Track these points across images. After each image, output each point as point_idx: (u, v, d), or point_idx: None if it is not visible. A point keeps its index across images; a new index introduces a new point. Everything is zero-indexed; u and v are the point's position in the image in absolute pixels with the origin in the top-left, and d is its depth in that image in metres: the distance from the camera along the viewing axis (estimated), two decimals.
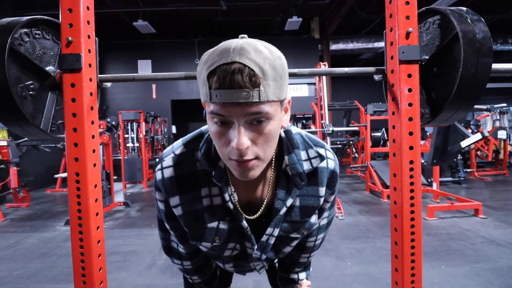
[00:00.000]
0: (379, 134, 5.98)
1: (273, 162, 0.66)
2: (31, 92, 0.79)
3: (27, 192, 4.78)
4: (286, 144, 0.66)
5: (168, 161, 0.67)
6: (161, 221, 0.77)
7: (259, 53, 0.49)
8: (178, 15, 7.75)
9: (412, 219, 0.83)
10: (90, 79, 0.81)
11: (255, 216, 0.68)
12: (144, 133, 6.47)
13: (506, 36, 8.82)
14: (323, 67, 4.18)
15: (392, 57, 0.83)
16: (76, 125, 0.78)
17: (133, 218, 3.90)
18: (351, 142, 7.61)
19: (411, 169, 0.82)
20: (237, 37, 0.54)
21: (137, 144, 6.58)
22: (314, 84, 7.46)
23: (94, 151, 0.82)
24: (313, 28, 9.03)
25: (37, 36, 0.82)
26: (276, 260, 1.00)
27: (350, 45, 9.08)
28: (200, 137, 0.68)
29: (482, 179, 5.93)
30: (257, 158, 0.54)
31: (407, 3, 0.79)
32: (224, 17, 7.67)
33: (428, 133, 6.31)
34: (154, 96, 9.08)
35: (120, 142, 6.40)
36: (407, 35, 0.79)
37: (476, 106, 4.86)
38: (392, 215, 0.87)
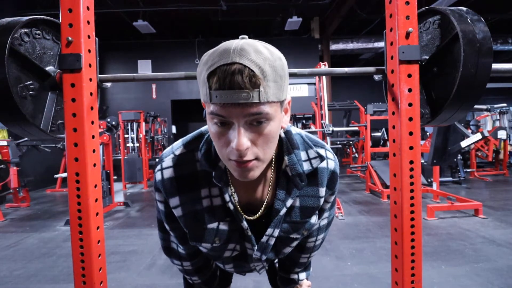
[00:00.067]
0: (379, 134, 5.98)
1: (273, 162, 0.66)
2: (31, 92, 0.79)
3: (27, 192, 4.78)
4: (286, 145, 0.66)
5: (168, 161, 0.67)
6: (160, 222, 0.77)
7: (259, 54, 0.49)
8: (178, 15, 7.76)
9: (412, 219, 0.83)
10: (90, 79, 0.81)
11: (255, 217, 0.68)
12: (144, 133, 6.47)
13: (506, 36, 8.82)
14: (323, 67, 4.18)
15: (392, 57, 0.83)
16: (76, 125, 0.78)
17: (133, 218, 3.90)
18: (351, 142, 7.61)
19: (411, 169, 0.82)
20: (237, 38, 0.54)
21: (137, 144, 6.58)
22: (314, 84, 7.46)
23: (94, 151, 0.82)
24: (313, 28, 9.03)
25: (37, 36, 0.81)
26: (276, 261, 1.00)
27: (350, 45, 9.08)
28: (200, 137, 0.68)
29: (482, 179, 5.93)
30: (256, 158, 0.54)
31: (407, 3, 0.79)
32: (224, 17, 7.67)
33: (428, 133, 6.31)
34: (154, 96, 9.08)
35: (120, 142, 6.40)
36: (407, 35, 0.79)
37: (476, 106, 4.87)
38: (392, 215, 0.87)
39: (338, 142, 7.21)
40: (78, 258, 0.81)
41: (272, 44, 0.56)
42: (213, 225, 0.67)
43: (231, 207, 0.65)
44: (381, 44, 8.76)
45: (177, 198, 0.66)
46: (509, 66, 0.85)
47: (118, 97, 8.91)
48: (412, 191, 0.82)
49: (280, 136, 0.66)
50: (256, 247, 0.70)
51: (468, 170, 6.14)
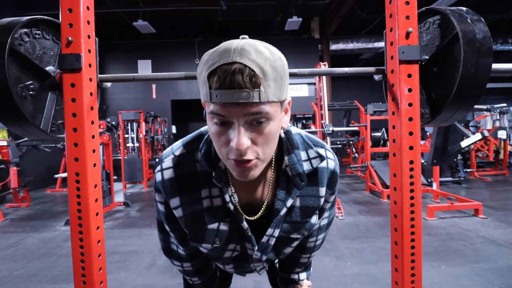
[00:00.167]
0: (379, 134, 5.99)
1: (273, 162, 0.66)
2: (31, 92, 0.79)
3: (27, 192, 4.78)
4: (286, 145, 0.66)
5: (167, 162, 0.67)
6: (160, 223, 0.77)
7: (260, 53, 0.49)
8: (178, 15, 7.75)
9: (412, 219, 0.83)
10: (90, 79, 0.81)
11: (255, 217, 0.68)
12: (144, 133, 6.47)
13: (506, 36, 8.82)
14: (323, 67, 4.18)
15: (392, 57, 0.83)
16: (76, 125, 0.78)
17: (133, 218, 3.90)
18: (351, 142, 7.61)
19: (411, 169, 0.82)
20: (238, 38, 0.54)
21: (137, 144, 6.58)
22: (314, 84, 7.45)
23: (94, 151, 0.82)
24: (313, 28, 9.03)
25: (37, 36, 0.81)
26: (276, 261, 1.00)
27: (350, 45, 9.08)
28: (199, 138, 0.68)
29: (482, 179, 5.93)
30: (256, 158, 0.54)
31: (407, 3, 0.79)
32: (224, 17, 7.67)
33: (428, 133, 6.31)
34: (154, 96, 9.08)
35: (120, 142, 6.40)
36: (407, 35, 0.79)
37: (476, 106, 4.87)
38: (392, 215, 0.87)
39: (338, 142, 7.21)
40: (78, 258, 0.81)
41: (272, 44, 0.56)
42: (214, 225, 0.67)
43: (231, 207, 0.65)
44: (381, 44, 8.76)
45: (177, 199, 0.66)
46: (509, 66, 0.85)
47: (118, 97, 8.91)
48: (412, 191, 0.82)
49: (280, 136, 0.66)
50: (256, 247, 0.70)
51: (468, 170, 6.15)
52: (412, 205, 0.83)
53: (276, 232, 0.69)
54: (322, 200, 0.71)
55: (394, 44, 0.81)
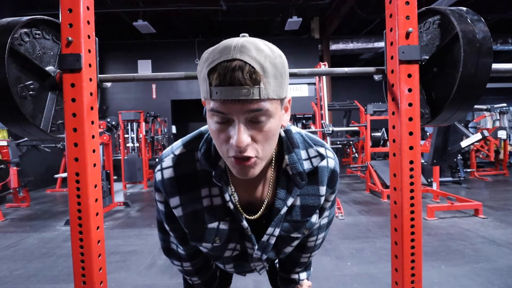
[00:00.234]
0: (379, 134, 5.99)
1: (273, 161, 0.66)
2: (31, 92, 0.79)
3: (27, 192, 4.78)
4: (286, 144, 0.66)
5: (167, 161, 0.67)
6: (160, 223, 0.77)
7: (260, 51, 0.50)
8: (178, 15, 7.75)
9: (412, 219, 0.83)
10: (90, 79, 0.81)
11: (255, 216, 0.68)
12: (144, 133, 6.47)
13: (506, 36, 8.82)
14: (323, 67, 4.18)
15: (392, 57, 0.83)
16: (76, 125, 0.78)
17: (133, 218, 3.90)
18: (351, 142, 7.61)
19: (411, 169, 0.82)
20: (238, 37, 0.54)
21: (137, 144, 6.58)
22: (314, 84, 7.46)
23: (94, 151, 0.82)
24: (313, 28, 9.03)
25: (37, 36, 0.81)
26: (276, 261, 1.00)
27: (350, 45, 9.08)
28: (199, 137, 0.68)
29: (482, 179, 5.93)
30: (256, 156, 0.54)
31: (407, 3, 0.79)
32: (224, 17, 7.67)
33: (428, 133, 6.31)
34: (154, 96, 9.08)
35: (120, 142, 6.40)
36: (407, 35, 0.79)
37: (476, 106, 4.87)
38: (392, 215, 0.87)
39: (338, 142, 7.21)
40: (78, 258, 0.81)
41: (272, 44, 0.56)
42: (214, 224, 0.67)
43: (231, 206, 0.65)
44: (381, 44, 8.76)
45: (177, 198, 0.66)
46: (509, 66, 0.85)
47: (118, 97, 8.91)
48: (412, 191, 0.82)
49: (280, 135, 0.66)
50: (256, 247, 0.70)
51: (468, 170, 6.15)
52: (412, 205, 0.83)
53: (277, 231, 0.69)
54: (323, 199, 0.72)
55: (394, 44, 0.81)
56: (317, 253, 0.90)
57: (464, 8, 0.80)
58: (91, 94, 0.81)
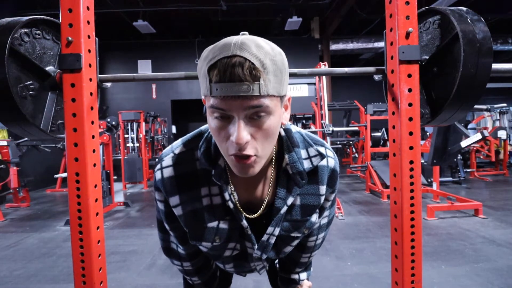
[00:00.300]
0: (379, 134, 5.98)
1: (273, 161, 0.66)
2: (31, 92, 0.79)
3: (27, 192, 4.78)
4: (286, 143, 0.66)
5: (167, 160, 0.67)
6: (160, 222, 0.77)
7: (260, 48, 0.50)
8: (178, 15, 7.75)
9: (412, 219, 0.83)
10: (90, 79, 0.81)
11: (255, 215, 0.68)
12: (144, 133, 6.47)
13: (506, 36, 8.82)
14: (323, 67, 4.18)
15: (392, 57, 0.83)
16: (76, 125, 0.78)
17: (133, 218, 3.90)
18: (351, 142, 7.61)
19: (411, 169, 0.82)
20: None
21: (137, 144, 6.58)
22: (314, 84, 7.46)
23: (94, 151, 0.82)
24: (313, 28, 9.03)
25: (37, 36, 0.82)
26: (276, 261, 1.00)
27: (350, 45, 9.08)
28: (199, 136, 0.68)
29: (482, 179, 5.93)
30: (256, 154, 0.54)
31: (407, 3, 0.79)
32: (224, 17, 7.67)
33: (428, 133, 6.31)
34: (154, 96, 9.08)
35: (120, 142, 6.40)
36: (407, 35, 0.79)
37: (476, 106, 4.87)
38: (392, 215, 0.87)
39: (338, 142, 7.21)
40: (78, 258, 0.81)
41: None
42: (213, 224, 0.67)
43: (231, 205, 0.65)
44: (381, 44, 8.76)
45: (177, 197, 0.66)
46: (509, 66, 0.85)
47: (118, 97, 8.91)
48: (412, 191, 0.82)
49: (280, 134, 0.66)
50: (256, 246, 0.70)
51: (468, 170, 6.15)
52: (412, 205, 0.83)
53: (277, 231, 0.69)
54: (323, 198, 0.72)
55: (394, 44, 0.81)
56: (317, 253, 0.90)
57: (464, 8, 0.80)
58: (91, 94, 0.81)
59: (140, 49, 9.04)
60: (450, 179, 5.49)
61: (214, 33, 9.12)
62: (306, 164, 0.67)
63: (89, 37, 0.80)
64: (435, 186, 4.17)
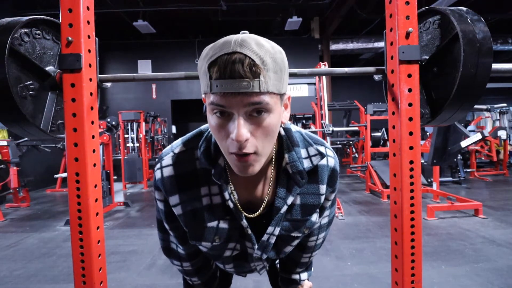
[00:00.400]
0: (379, 134, 5.99)
1: (273, 160, 0.66)
2: (31, 92, 0.79)
3: (27, 192, 4.78)
4: (286, 142, 0.66)
5: (167, 160, 0.67)
6: (160, 222, 0.77)
7: (260, 45, 0.50)
8: (178, 15, 7.75)
9: (412, 219, 0.83)
10: (90, 79, 0.81)
11: (255, 215, 0.68)
12: (144, 133, 6.47)
13: (506, 36, 8.82)
14: (323, 67, 4.18)
15: (392, 57, 0.83)
16: (76, 125, 0.78)
17: (133, 218, 3.90)
18: (351, 142, 7.61)
19: (411, 169, 0.82)
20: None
21: (137, 144, 6.58)
22: (314, 84, 7.46)
23: (94, 151, 0.82)
24: (313, 28, 9.03)
25: (37, 36, 0.81)
26: (277, 261, 1.00)
27: (350, 45, 9.08)
28: (199, 135, 0.68)
29: (482, 179, 5.93)
30: (256, 152, 0.54)
31: (407, 3, 0.79)
32: (224, 17, 7.67)
33: (428, 133, 6.31)
34: (154, 96, 9.09)
35: (120, 142, 6.40)
36: (407, 35, 0.79)
37: (476, 106, 4.87)
38: (392, 215, 0.87)
39: (338, 142, 7.21)
40: (78, 258, 0.81)
41: None
42: (213, 223, 0.67)
43: (231, 205, 0.65)
44: (381, 44, 8.76)
45: (176, 197, 0.66)
46: (509, 66, 0.85)
47: (118, 97, 8.91)
48: (412, 191, 0.82)
49: (280, 133, 0.67)
50: (256, 246, 0.70)
51: (468, 170, 6.15)
52: (412, 205, 0.83)
53: (277, 231, 0.69)
54: (323, 197, 0.72)
55: (394, 44, 0.81)
56: (317, 253, 0.90)
57: (464, 8, 0.80)
58: (91, 94, 0.81)
59: (140, 49, 9.04)
60: (450, 179, 5.49)
61: (214, 33, 9.12)
62: (306, 164, 0.67)
63: (89, 37, 0.80)
64: (435, 186, 4.17)
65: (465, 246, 2.61)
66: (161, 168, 0.67)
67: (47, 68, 0.83)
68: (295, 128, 0.72)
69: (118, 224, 3.63)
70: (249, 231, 0.68)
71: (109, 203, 4.16)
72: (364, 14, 7.51)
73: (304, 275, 0.92)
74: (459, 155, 5.25)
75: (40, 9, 6.37)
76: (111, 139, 4.43)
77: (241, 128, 0.50)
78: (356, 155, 7.82)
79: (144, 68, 9.01)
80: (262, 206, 0.68)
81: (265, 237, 0.69)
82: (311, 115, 7.75)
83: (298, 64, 8.33)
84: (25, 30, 0.78)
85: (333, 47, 9.02)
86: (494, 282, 2.00)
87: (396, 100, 0.82)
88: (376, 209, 3.99)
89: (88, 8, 0.80)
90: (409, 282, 0.83)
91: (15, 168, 4.42)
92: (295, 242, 0.75)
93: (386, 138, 5.98)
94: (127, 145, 6.58)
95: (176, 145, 0.69)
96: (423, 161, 4.46)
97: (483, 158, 6.79)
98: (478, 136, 3.94)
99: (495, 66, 0.80)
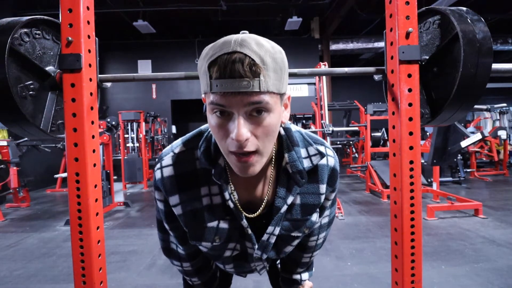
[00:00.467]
0: (379, 134, 5.98)
1: (273, 160, 0.66)
2: (31, 92, 0.79)
3: (27, 192, 4.78)
4: (286, 142, 0.66)
5: (167, 160, 0.67)
6: (160, 222, 0.76)
7: (260, 45, 0.50)
8: (178, 15, 7.75)
9: (412, 219, 0.83)
10: (90, 79, 0.81)
11: (255, 215, 0.68)
12: (144, 133, 6.47)
13: (506, 36, 8.82)
14: (323, 67, 4.18)
15: (392, 57, 0.83)
16: (76, 125, 0.78)
17: (133, 218, 3.90)
18: (351, 142, 7.61)
19: (411, 169, 0.82)
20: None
21: (137, 144, 6.58)
22: (314, 84, 7.46)
23: (94, 151, 0.82)
24: (313, 28, 9.03)
25: (37, 36, 0.81)
26: (278, 261, 1.00)
27: (350, 45, 9.08)
28: (199, 135, 0.68)
29: (482, 179, 5.93)
30: (256, 152, 0.54)
31: (407, 3, 0.79)
32: (224, 17, 7.67)
33: (428, 133, 6.31)
34: (154, 96, 9.09)
35: (120, 142, 6.40)
36: (407, 35, 0.79)
37: (476, 106, 4.87)
38: (392, 215, 0.87)
39: (338, 142, 7.21)
40: (78, 258, 0.81)
41: None
42: (213, 223, 0.67)
43: (231, 205, 0.65)
44: (381, 44, 8.76)
45: (176, 197, 0.66)
46: (509, 66, 0.85)
47: (118, 97, 8.91)
48: (412, 191, 0.82)
49: (280, 133, 0.67)
50: (256, 246, 0.70)
51: (468, 170, 6.15)
52: (412, 205, 0.83)
53: (277, 230, 0.69)
54: (323, 197, 0.71)
55: (394, 44, 0.81)
56: (318, 253, 0.90)
57: (464, 8, 0.80)
58: (91, 94, 0.81)
59: (140, 49, 9.04)
60: (450, 179, 5.49)
61: (214, 33, 9.12)
62: (306, 163, 0.67)
63: (89, 37, 0.80)
64: (435, 186, 4.17)
65: (465, 246, 2.61)
66: (161, 168, 0.67)
67: (47, 68, 0.83)
68: (295, 127, 0.72)
69: (118, 224, 3.63)
70: (249, 231, 0.68)
71: (109, 203, 4.16)
72: (364, 14, 7.51)
73: (305, 275, 0.92)
74: (459, 155, 5.25)
75: (40, 9, 6.38)
76: (111, 139, 4.43)
77: (241, 128, 0.50)
78: (356, 155, 7.82)
79: (144, 68, 9.02)
80: (262, 206, 0.68)
81: (265, 237, 0.69)
82: (311, 115, 7.75)
83: (298, 64, 8.33)
84: (25, 30, 0.78)
85: (333, 47, 9.02)
86: (494, 282, 2.00)
87: (396, 100, 0.82)
88: (376, 209, 3.99)
89: (88, 8, 0.80)
90: (409, 282, 0.83)
91: (15, 168, 4.42)
92: (295, 242, 0.75)
93: (386, 138, 5.98)
94: (127, 145, 6.58)
95: (176, 145, 0.69)
96: (423, 161, 4.46)
97: (484, 159, 6.79)
98: (478, 136, 3.94)
99: (495, 66, 0.80)
